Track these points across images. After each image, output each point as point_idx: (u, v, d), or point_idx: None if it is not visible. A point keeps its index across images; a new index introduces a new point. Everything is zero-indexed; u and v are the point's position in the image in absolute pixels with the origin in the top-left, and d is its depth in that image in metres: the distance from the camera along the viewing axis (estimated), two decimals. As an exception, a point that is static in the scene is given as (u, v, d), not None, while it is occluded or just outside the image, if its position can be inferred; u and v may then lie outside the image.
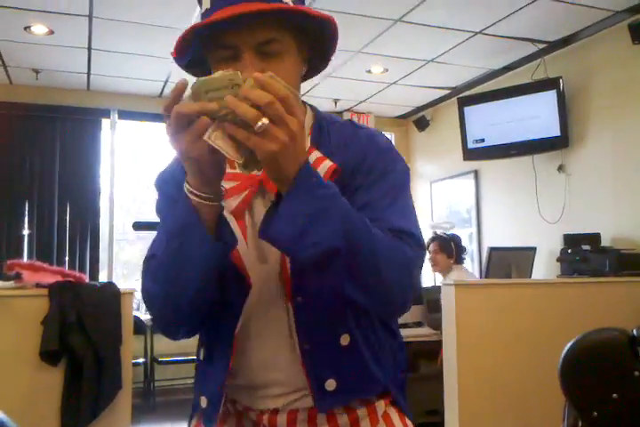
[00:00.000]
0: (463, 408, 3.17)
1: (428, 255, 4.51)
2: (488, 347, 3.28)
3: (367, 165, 1.11)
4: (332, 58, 1.17)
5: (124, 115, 6.27)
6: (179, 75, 5.23)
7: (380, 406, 1.16)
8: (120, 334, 2.93)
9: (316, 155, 1.08)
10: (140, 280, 1.10)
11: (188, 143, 0.89)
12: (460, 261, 4.80)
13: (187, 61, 1.11)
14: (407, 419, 1.20)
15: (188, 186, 0.97)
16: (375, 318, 1.15)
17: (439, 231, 5.07)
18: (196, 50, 1.06)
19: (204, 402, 1.16)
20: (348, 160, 1.10)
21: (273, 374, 1.11)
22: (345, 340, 1.08)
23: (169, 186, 1.14)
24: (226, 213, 1.04)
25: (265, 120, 0.84)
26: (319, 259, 0.93)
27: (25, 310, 2.81)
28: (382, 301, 1.02)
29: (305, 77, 1.18)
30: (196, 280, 1.00)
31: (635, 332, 2.06)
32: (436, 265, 4.75)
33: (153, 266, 1.06)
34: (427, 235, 4.82)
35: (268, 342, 1.11)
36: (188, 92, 0.88)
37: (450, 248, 4.75)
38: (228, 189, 1.08)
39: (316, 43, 1.11)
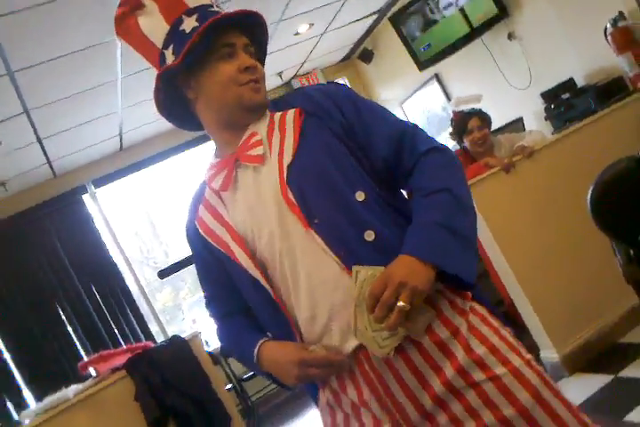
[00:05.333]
0: (524, 284, 3.48)
1: (473, 136, 4.04)
2: (519, 221, 3.55)
3: (342, 103, 1.45)
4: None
5: (98, 182, 6.57)
6: (131, 123, 5.54)
7: (464, 303, 1.37)
8: (205, 374, 3.19)
9: (278, 114, 1.45)
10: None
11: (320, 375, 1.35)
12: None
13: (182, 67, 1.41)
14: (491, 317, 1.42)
15: (259, 354, 1.41)
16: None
17: (466, 108, 4.27)
18: (198, 52, 1.39)
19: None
20: (318, 103, 1.44)
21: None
22: (369, 236, 1.33)
23: (194, 244, 1.53)
24: (213, 193, 1.46)
25: (400, 303, 1.21)
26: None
27: (116, 397, 3.04)
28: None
29: None
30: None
31: (640, 153, 2.31)
32: (485, 143, 4.07)
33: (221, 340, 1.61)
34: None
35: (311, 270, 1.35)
36: None
37: (491, 121, 4.21)
38: (209, 177, 1.48)
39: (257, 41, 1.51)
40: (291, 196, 1.33)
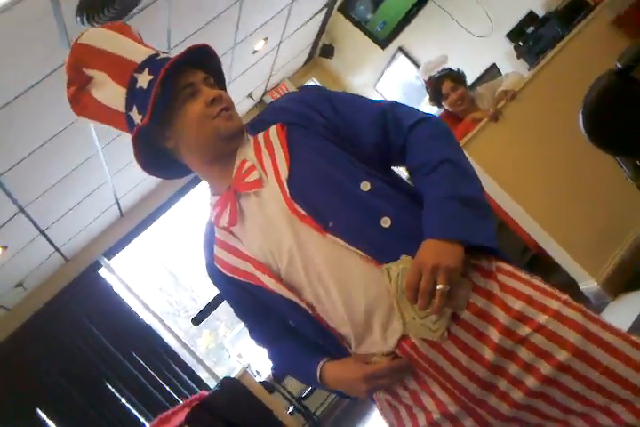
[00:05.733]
0: (544, 223, 3.50)
1: (450, 99, 4.02)
2: (522, 165, 3.56)
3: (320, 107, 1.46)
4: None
5: (109, 253, 6.55)
6: (124, 188, 5.48)
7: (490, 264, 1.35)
8: (264, 406, 3.27)
9: (261, 134, 1.45)
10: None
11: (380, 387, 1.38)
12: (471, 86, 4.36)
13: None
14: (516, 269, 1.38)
15: (321, 375, 1.44)
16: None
17: (435, 73, 4.23)
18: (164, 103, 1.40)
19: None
20: (294, 112, 1.45)
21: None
22: (386, 222, 1.33)
23: (219, 284, 1.54)
24: (223, 230, 1.45)
25: (439, 286, 1.24)
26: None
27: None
28: None
29: None
30: None
31: (617, 64, 2.29)
32: (464, 102, 4.05)
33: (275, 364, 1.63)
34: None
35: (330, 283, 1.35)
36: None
37: (464, 77, 4.18)
38: (215, 217, 1.47)
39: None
40: (299, 208, 1.34)
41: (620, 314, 3.24)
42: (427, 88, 4.25)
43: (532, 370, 1.24)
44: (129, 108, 1.44)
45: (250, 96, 6.42)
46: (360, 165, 1.40)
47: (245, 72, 5.75)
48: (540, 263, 4.18)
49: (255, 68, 5.93)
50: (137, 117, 1.42)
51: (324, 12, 6.15)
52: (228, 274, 1.46)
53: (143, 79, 1.40)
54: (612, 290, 3.44)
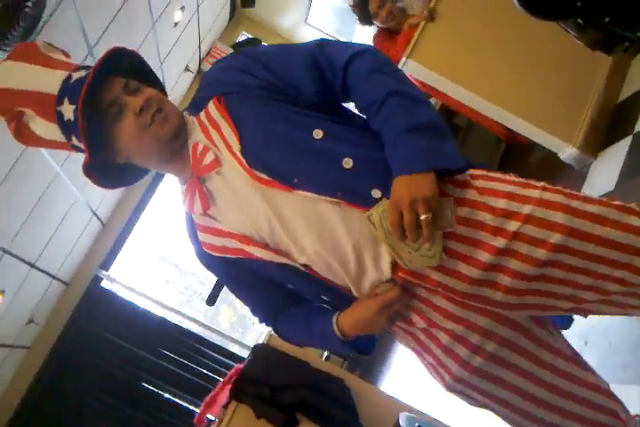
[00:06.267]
0: (510, 108, 3.60)
1: (380, 17, 3.94)
2: (475, 58, 3.64)
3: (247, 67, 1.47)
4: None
5: (105, 265, 6.44)
6: (96, 199, 5.34)
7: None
8: (300, 360, 3.33)
9: (202, 113, 1.47)
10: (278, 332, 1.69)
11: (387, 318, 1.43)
12: None
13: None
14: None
15: (339, 327, 1.46)
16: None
17: None
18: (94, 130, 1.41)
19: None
20: (226, 81, 1.47)
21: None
22: (347, 163, 1.37)
23: (214, 268, 1.61)
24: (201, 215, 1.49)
25: (422, 216, 1.28)
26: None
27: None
28: None
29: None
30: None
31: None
32: (395, 15, 3.94)
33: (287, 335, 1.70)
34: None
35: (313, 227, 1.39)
36: None
37: None
38: (188, 206, 1.50)
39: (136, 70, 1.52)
40: (261, 175, 1.37)
41: (605, 171, 3.38)
42: (354, 11, 4.14)
43: (529, 259, 1.30)
44: (68, 138, 1.45)
45: (187, 69, 6.21)
46: (308, 113, 1.42)
47: (174, 47, 5.53)
48: (515, 149, 4.30)
49: (182, 40, 5.71)
50: (81, 145, 1.43)
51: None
52: (219, 255, 1.50)
53: (67, 111, 1.40)
54: (591, 151, 3.56)
